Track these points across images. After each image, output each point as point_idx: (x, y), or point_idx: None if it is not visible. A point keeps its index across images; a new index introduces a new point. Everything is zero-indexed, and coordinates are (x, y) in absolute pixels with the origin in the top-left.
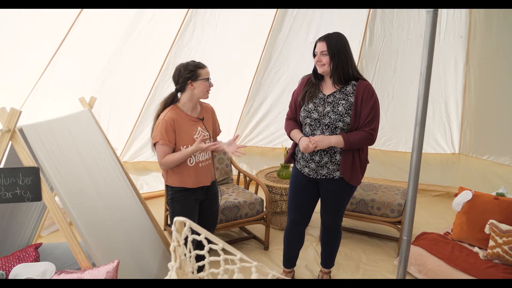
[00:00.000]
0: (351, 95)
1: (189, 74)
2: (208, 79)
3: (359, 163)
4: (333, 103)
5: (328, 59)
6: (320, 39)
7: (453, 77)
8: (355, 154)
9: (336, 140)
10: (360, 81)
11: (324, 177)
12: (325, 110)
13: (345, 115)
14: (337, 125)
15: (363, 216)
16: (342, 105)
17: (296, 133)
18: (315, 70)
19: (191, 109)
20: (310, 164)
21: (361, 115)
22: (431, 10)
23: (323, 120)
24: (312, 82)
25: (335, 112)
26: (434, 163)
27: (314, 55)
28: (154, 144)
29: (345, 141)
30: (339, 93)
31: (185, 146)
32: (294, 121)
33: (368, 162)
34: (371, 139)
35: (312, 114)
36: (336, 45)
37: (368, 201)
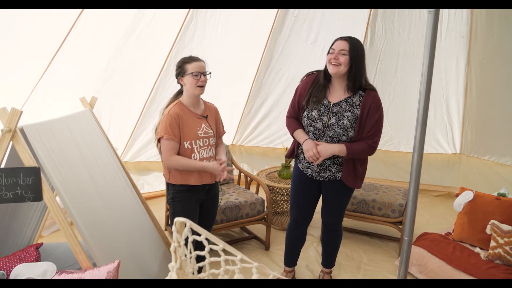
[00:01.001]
0: (357, 107)
1: (177, 70)
2: (194, 73)
3: (360, 168)
4: (339, 114)
5: (346, 59)
6: (342, 38)
7: (455, 77)
8: (356, 162)
9: (339, 149)
10: (367, 92)
11: (326, 179)
12: (329, 122)
13: (350, 129)
14: (340, 138)
15: (364, 216)
16: (348, 118)
17: (300, 133)
18: (325, 71)
19: (193, 106)
20: (312, 166)
21: (365, 128)
22: (432, 10)
23: (327, 132)
24: (319, 84)
25: (340, 125)
26: (435, 163)
27: (329, 53)
28: (159, 140)
29: (347, 150)
30: (346, 104)
31: (188, 142)
32: (296, 119)
33: (366, 165)
34: (372, 151)
35: (316, 123)
36: (357, 48)
37: (369, 201)
